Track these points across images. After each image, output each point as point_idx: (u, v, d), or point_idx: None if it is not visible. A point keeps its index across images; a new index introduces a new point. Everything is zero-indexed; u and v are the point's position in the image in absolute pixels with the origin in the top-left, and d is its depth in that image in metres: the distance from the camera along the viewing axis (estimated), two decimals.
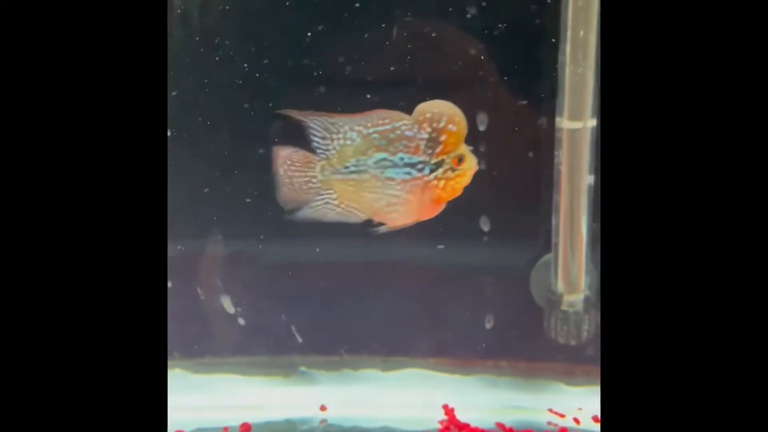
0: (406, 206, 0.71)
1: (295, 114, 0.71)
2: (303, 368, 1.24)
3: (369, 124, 0.70)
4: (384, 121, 0.70)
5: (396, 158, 0.70)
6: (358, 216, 0.73)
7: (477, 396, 1.21)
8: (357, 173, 0.70)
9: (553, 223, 1.04)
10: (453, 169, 0.70)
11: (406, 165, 0.70)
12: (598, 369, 1.15)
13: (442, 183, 0.70)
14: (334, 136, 0.69)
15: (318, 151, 0.70)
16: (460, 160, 0.70)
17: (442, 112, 0.69)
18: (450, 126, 0.69)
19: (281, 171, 0.71)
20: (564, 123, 0.96)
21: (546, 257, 1.11)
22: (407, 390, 1.22)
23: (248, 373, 1.22)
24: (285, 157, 0.71)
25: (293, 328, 1.17)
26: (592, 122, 0.96)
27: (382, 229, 0.73)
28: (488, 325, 1.19)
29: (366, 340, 1.23)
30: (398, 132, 0.69)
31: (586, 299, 1.07)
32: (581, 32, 0.90)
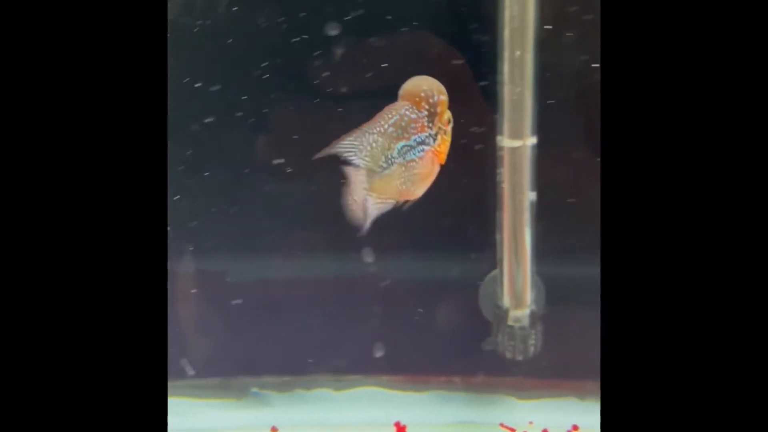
0: (424, 178, 0.78)
1: (328, 152, 0.76)
2: (255, 389, 1.23)
3: (383, 122, 0.75)
4: (392, 114, 0.76)
5: (412, 141, 0.76)
6: (390, 203, 0.78)
7: (430, 412, 1.21)
8: (388, 168, 0.76)
9: (498, 239, 1.06)
10: (445, 131, 0.77)
11: (419, 144, 0.76)
12: (547, 382, 1.21)
13: (441, 146, 0.78)
14: (361, 147, 0.75)
15: (356, 164, 0.76)
16: (449, 120, 0.77)
17: (431, 87, 0.76)
18: (441, 97, 0.76)
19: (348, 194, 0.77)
20: (504, 141, 0.98)
21: (493, 273, 1.12)
22: (360, 408, 1.22)
23: (200, 396, 1.21)
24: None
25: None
26: (532, 140, 0.98)
27: (407, 204, 0.80)
28: (440, 340, 1.20)
29: (319, 359, 1.24)
30: (406, 118, 0.75)
31: (532, 314, 1.09)
32: (518, 52, 0.93)
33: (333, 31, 1.01)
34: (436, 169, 0.78)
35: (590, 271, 1.13)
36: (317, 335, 1.22)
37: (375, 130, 0.75)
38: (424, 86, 0.76)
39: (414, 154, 0.76)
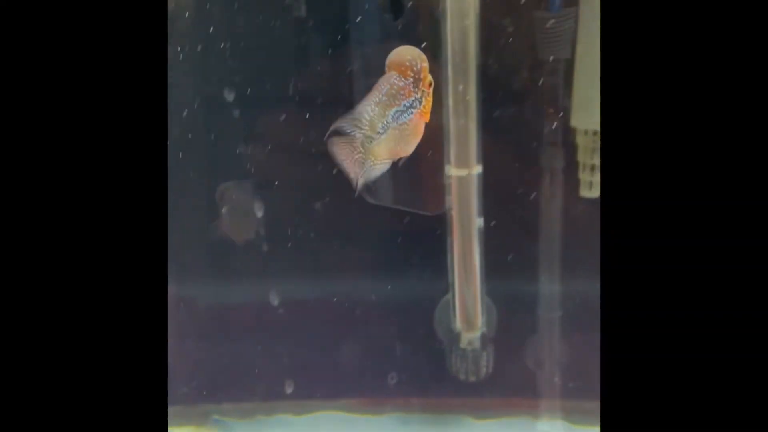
0: (415, 137, 0.85)
1: (335, 126, 0.82)
2: (216, 416, 1.25)
3: (378, 93, 0.82)
4: (383, 85, 0.83)
5: (402, 106, 0.83)
6: (388, 163, 0.84)
7: None
8: (384, 133, 0.83)
9: (448, 264, 1.10)
10: (428, 93, 0.84)
11: (408, 108, 0.83)
12: (503, 402, 1.24)
13: (426, 107, 0.85)
14: (364, 119, 0.82)
15: (356, 135, 0.82)
16: (430, 83, 0.84)
17: (414, 56, 0.82)
18: (423, 64, 0.83)
19: (342, 161, 0.83)
20: (452, 171, 1.03)
21: (447, 297, 1.16)
22: None
23: None
24: (336, 147, 0.82)
25: None
26: (478, 169, 1.03)
27: (402, 161, 0.86)
28: (398, 363, 1.23)
29: (281, 384, 1.26)
30: (396, 86, 0.82)
31: (483, 336, 1.13)
32: (461, 86, 0.97)
33: (229, 96, 1.07)
34: (423, 127, 0.86)
35: (538, 288, 1.18)
36: (279, 360, 1.25)
37: (373, 102, 0.82)
38: (408, 56, 0.82)
39: (405, 117, 0.83)
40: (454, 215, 1.05)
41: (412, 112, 0.83)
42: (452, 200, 1.04)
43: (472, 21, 0.97)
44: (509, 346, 1.19)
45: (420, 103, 0.83)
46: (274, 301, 1.19)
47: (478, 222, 1.06)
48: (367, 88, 0.84)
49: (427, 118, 0.86)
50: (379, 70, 0.85)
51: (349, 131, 0.81)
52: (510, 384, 1.22)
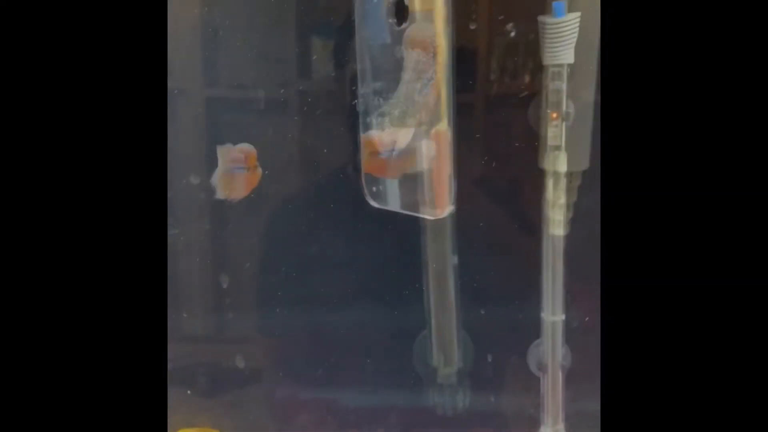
0: (428, 107, 0.92)
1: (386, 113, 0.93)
2: None
3: (409, 72, 0.91)
4: (411, 63, 0.91)
5: (424, 80, 0.92)
6: (412, 131, 0.93)
7: None
8: (413, 106, 0.92)
9: (425, 300, 1.12)
10: (439, 63, 0.92)
11: (428, 81, 0.92)
12: None
13: (439, 75, 0.92)
14: (401, 99, 0.92)
15: (399, 115, 0.92)
16: (440, 53, 0.92)
17: (431, 32, 0.90)
18: (438, 39, 0.90)
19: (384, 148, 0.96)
20: (426, 211, 1.05)
21: (424, 332, 1.18)
22: None
23: None
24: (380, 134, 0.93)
25: None
26: (451, 209, 1.06)
27: (423, 127, 0.94)
28: (377, 396, 1.24)
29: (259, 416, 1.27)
30: (421, 63, 0.91)
31: (459, 371, 1.15)
32: (433, 130, 1.00)
33: (194, 181, 1.10)
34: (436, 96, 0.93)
35: (517, 316, 1.21)
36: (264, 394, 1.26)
37: (405, 81, 0.91)
38: (428, 32, 0.90)
39: (426, 90, 0.92)
40: (429, 254, 1.08)
41: (429, 85, 0.90)
42: (427, 239, 1.08)
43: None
44: (486, 379, 1.21)
45: (434, 74, 0.90)
46: (240, 363, 1.20)
47: (453, 260, 1.09)
48: (374, 92, 0.92)
49: (436, 87, 0.92)
50: (382, 73, 0.91)
51: (397, 114, 0.89)
52: (487, 416, 1.24)
